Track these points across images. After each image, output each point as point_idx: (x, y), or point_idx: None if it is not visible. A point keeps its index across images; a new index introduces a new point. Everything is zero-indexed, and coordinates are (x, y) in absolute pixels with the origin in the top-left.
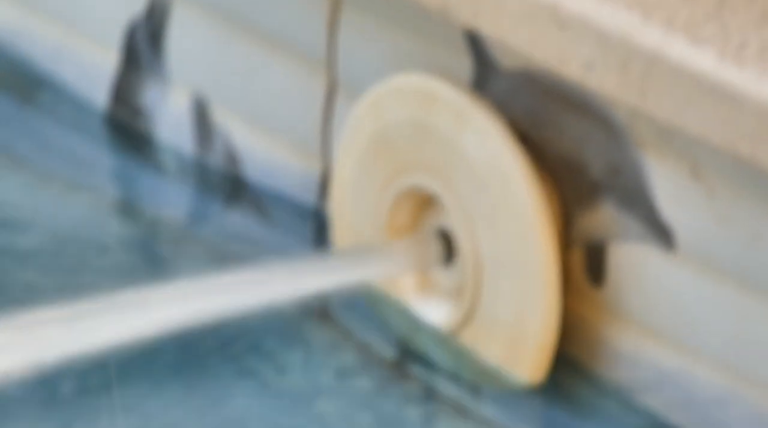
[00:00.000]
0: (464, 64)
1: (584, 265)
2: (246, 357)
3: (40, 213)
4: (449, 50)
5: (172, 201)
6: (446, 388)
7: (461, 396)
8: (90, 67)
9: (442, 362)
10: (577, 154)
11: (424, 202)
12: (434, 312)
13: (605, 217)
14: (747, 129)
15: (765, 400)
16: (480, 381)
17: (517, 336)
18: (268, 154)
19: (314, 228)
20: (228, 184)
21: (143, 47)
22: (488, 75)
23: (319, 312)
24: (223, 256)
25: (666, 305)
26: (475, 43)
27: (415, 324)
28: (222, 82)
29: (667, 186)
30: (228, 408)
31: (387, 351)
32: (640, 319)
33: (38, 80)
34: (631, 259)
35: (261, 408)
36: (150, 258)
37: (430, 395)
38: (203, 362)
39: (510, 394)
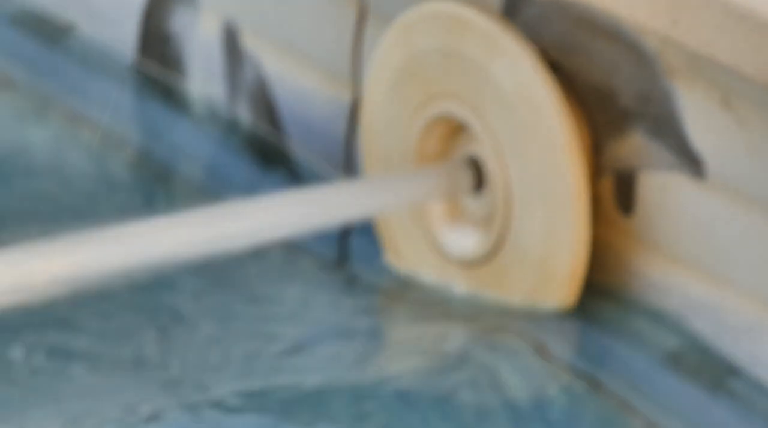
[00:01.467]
0: None
1: (614, 194)
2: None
3: (63, 153)
4: None
5: (200, 130)
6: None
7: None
8: None
9: (467, 293)
10: (607, 82)
11: (455, 130)
12: (463, 240)
13: (635, 146)
14: None
15: None
16: (508, 312)
17: (546, 265)
18: (298, 81)
19: (344, 157)
20: (258, 111)
21: None
22: (519, 2)
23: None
24: (247, 183)
25: (695, 234)
26: None
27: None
28: (252, 9)
29: (698, 115)
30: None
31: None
32: (669, 248)
33: (68, 10)
34: (661, 188)
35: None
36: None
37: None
38: (219, 305)
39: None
